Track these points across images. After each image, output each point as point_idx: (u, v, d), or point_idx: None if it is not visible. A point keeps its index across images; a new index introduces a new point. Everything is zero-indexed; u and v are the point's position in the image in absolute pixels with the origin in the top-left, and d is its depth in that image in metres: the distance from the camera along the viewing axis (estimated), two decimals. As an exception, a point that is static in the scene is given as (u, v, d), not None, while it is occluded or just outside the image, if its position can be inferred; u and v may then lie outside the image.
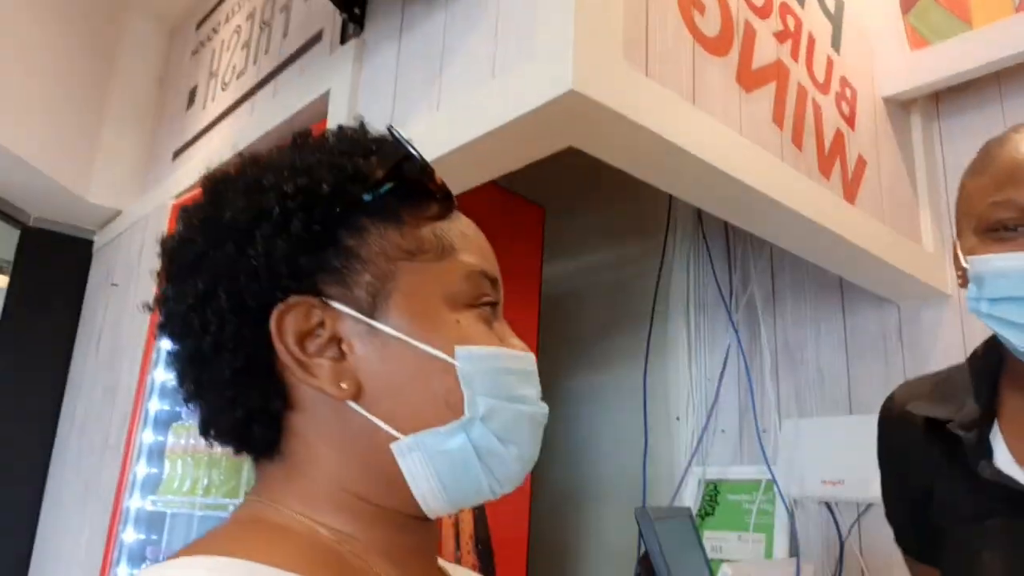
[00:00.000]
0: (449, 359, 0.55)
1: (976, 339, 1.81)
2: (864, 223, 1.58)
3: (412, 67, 1.39)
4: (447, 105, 1.28)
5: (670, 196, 2.30)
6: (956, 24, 1.70)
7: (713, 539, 2.02)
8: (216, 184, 0.59)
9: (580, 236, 2.55)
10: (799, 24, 1.53)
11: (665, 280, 2.35)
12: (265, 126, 1.90)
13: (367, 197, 0.56)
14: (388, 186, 0.56)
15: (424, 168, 0.59)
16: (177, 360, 0.57)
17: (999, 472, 0.82)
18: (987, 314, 0.84)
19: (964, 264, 0.86)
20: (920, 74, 1.76)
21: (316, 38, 1.76)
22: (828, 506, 1.91)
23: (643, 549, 1.40)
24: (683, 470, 2.17)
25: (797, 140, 1.46)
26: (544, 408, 0.61)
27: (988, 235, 0.83)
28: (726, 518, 2.05)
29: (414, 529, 0.58)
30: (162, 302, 0.58)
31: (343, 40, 1.63)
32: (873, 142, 1.73)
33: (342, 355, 0.55)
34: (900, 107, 1.86)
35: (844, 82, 1.66)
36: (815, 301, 2.07)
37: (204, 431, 0.58)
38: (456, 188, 0.63)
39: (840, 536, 1.88)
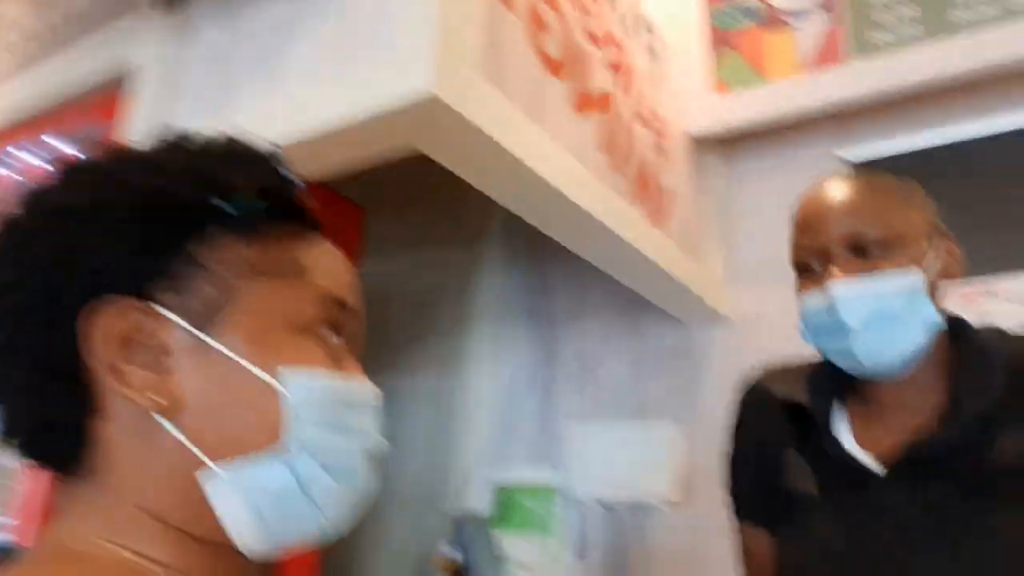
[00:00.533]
0: (275, 383, 0.52)
1: (751, 360, 2.01)
2: (668, 247, 1.71)
3: (246, 50, 1.32)
4: (286, 95, 1.22)
5: (489, 204, 2.36)
6: (753, 76, 1.90)
7: (502, 542, 2.08)
8: (69, 170, 0.54)
9: (400, 237, 2.54)
10: (627, 57, 1.63)
11: (476, 286, 2.39)
12: (48, 96, 1.71)
13: (228, 208, 0.53)
14: (253, 202, 0.54)
15: (295, 191, 0.57)
16: None
17: (843, 450, 0.95)
18: (811, 342, 0.98)
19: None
20: (721, 117, 1.95)
21: (127, 4, 1.61)
22: (612, 509, 2.04)
23: (442, 552, 1.41)
24: (477, 475, 2.22)
25: (617, 166, 1.55)
26: (382, 443, 0.59)
27: (800, 275, 0.98)
28: (516, 522, 2.12)
29: (236, 558, 0.53)
30: None
31: (160, 10, 1.50)
32: (679, 175, 1.88)
33: (164, 367, 0.51)
34: (702, 145, 2.05)
35: (660, 117, 1.79)
36: (613, 317, 2.21)
37: (7, 438, 0.52)
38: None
39: (623, 537, 2.01)
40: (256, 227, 0.55)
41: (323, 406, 0.54)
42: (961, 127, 1.88)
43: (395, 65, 1.06)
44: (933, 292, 0.92)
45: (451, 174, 1.27)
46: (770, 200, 2.06)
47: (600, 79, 1.51)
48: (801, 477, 1.00)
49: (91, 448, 0.51)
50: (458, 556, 1.40)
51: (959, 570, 0.87)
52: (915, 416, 0.93)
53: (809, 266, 0.95)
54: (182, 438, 0.50)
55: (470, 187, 1.32)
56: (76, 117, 1.62)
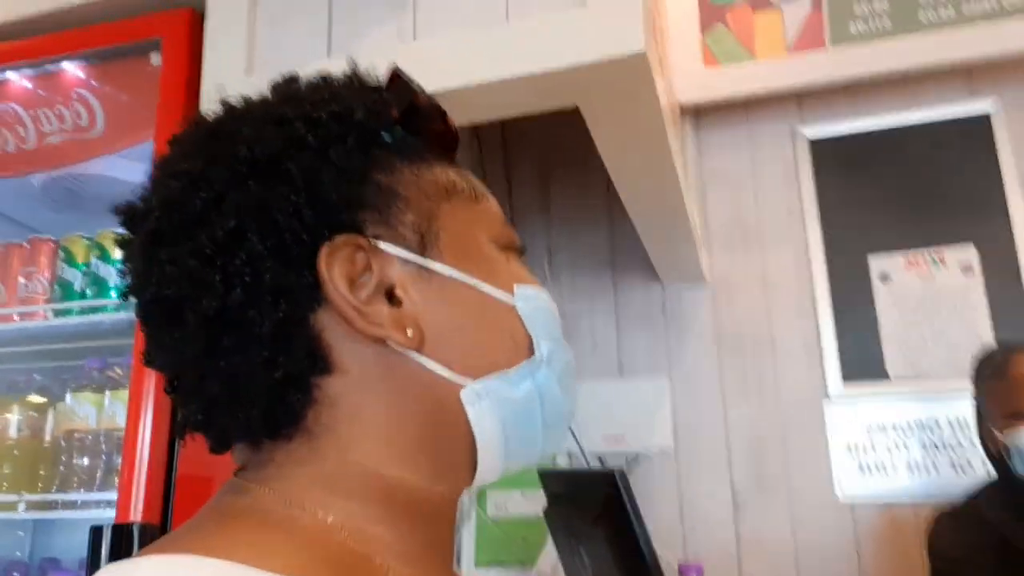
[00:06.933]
0: (510, 299, 0.53)
1: (726, 321, 2.15)
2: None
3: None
4: (428, 39, 1.16)
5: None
6: (743, 52, 2.03)
7: (496, 497, 2.12)
8: (218, 123, 0.52)
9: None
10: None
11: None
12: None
13: (387, 136, 0.52)
14: (404, 125, 0.54)
15: (438, 109, 0.57)
16: (178, 330, 0.48)
17: None
18: (1018, 468, 1.39)
19: (999, 436, 1.42)
20: (711, 89, 2.06)
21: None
22: (600, 460, 2.13)
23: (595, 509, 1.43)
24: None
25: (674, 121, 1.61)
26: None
27: (1013, 418, 1.40)
28: (513, 479, 2.13)
29: (441, 521, 0.52)
30: (148, 266, 0.49)
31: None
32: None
33: (397, 301, 0.49)
34: (682, 113, 2.15)
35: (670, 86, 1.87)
36: (589, 279, 2.29)
37: (211, 415, 0.49)
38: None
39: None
40: (422, 151, 0.54)
41: (546, 318, 0.55)
42: (901, 115, 2.13)
43: (590, 15, 1.04)
44: None
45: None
46: (734, 171, 2.22)
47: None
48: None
49: (316, 407, 0.48)
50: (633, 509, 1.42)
51: None
52: None
53: (1022, 412, 1.40)
54: (436, 367, 0.49)
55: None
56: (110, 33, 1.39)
